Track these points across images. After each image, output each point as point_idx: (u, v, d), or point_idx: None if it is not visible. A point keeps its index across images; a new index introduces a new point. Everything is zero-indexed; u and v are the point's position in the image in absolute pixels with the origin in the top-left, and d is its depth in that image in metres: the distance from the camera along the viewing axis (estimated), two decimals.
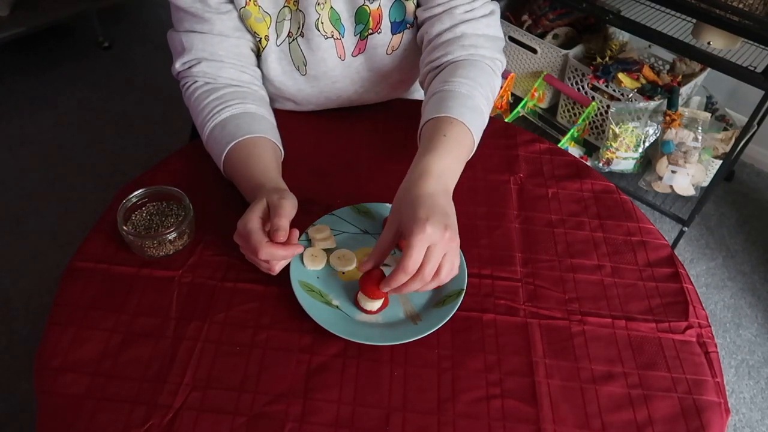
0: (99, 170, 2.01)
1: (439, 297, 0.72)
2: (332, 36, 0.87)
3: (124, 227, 0.74)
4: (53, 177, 1.97)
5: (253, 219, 0.69)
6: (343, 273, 0.75)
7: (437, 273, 0.66)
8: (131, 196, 0.77)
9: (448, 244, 0.65)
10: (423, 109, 0.85)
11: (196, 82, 0.86)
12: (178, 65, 0.86)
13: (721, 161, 1.70)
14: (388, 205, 0.81)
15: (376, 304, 0.70)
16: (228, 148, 0.80)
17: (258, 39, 0.86)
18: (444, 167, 0.73)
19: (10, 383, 1.45)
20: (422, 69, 0.90)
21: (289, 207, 0.70)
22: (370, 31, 0.87)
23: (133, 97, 2.32)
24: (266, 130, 0.83)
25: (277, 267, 0.71)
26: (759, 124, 1.76)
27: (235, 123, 0.82)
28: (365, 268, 0.69)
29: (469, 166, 0.85)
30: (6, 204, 1.87)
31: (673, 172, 1.76)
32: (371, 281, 0.68)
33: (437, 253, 0.65)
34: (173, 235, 0.74)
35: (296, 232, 0.70)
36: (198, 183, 0.85)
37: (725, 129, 1.84)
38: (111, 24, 2.67)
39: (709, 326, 0.73)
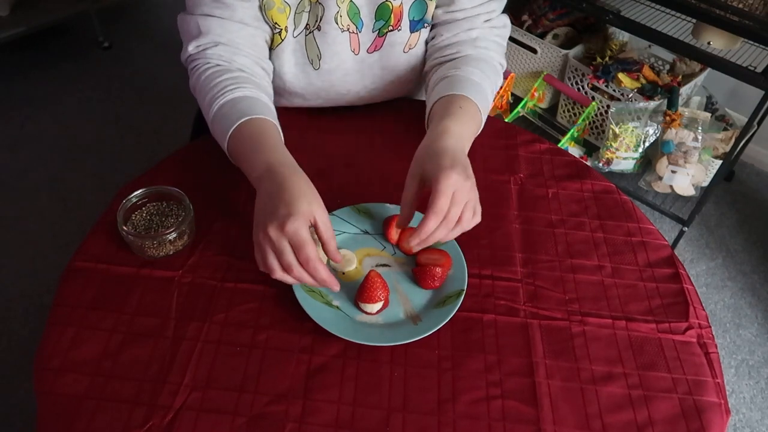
0: (99, 170, 2.01)
1: (440, 297, 0.72)
2: (348, 29, 0.87)
3: (124, 227, 0.74)
4: (53, 177, 1.97)
5: (305, 228, 0.66)
6: (344, 273, 0.75)
7: (460, 219, 0.69)
8: (131, 196, 0.77)
9: (470, 192, 0.70)
10: (431, 91, 0.87)
11: (209, 63, 0.83)
12: (191, 48, 0.83)
13: (721, 161, 1.70)
14: (389, 205, 0.81)
15: (375, 307, 0.70)
16: (241, 121, 0.76)
17: (278, 30, 0.85)
18: (461, 131, 0.78)
19: (10, 383, 1.45)
20: (429, 62, 0.92)
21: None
22: (390, 27, 0.88)
23: (133, 97, 2.32)
24: (277, 122, 0.82)
25: (290, 277, 0.67)
26: (759, 124, 1.76)
27: (247, 103, 0.79)
28: (401, 224, 0.74)
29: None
30: (6, 204, 1.87)
31: (673, 172, 1.76)
32: (373, 287, 0.69)
33: (461, 198, 0.69)
34: (173, 235, 0.74)
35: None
36: (198, 183, 0.85)
37: (725, 129, 1.84)
38: (111, 24, 2.67)
39: (710, 327, 0.73)
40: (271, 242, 0.66)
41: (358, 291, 0.70)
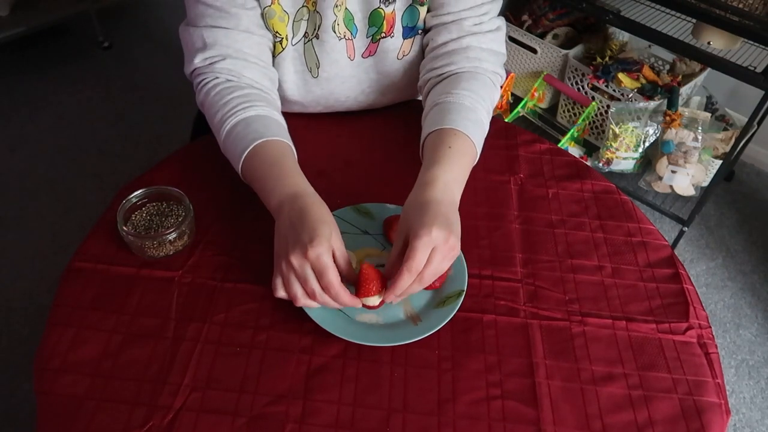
0: (99, 170, 2.01)
1: (440, 298, 0.72)
2: (344, 37, 0.86)
3: (124, 227, 0.74)
4: (53, 177, 1.97)
5: (328, 253, 0.65)
6: None
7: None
8: (131, 196, 0.77)
9: (449, 251, 0.67)
10: (424, 119, 0.85)
11: (218, 78, 0.82)
12: (197, 60, 0.82)
13: (721, 161, 1.70)
14: (389, 205, 0.81)
15: (376, 300, 0.69)
16: (256, 143, 0.76)
17: (279, 39, 0.85)
18: (450, 179, 0.74)
19: (10, 383, 1.45)
20: (422, 74, 0.91)
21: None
22: (383, 34, 0.87)
23: (133, 97, 2.32)
24: (291, 142, 0.81)
25: (311, 303, 0.67)
26: (759, 124, 1.76)
27: (262, 123, 0.79)
28: (386, 276, 0.69)
29: None
30: (6, 204, 1.87)
31: (673, 172, 1.76)
32: (368, 279, 0.68)
33: (439, 256, 0.66)
34: (173, 235, 0.74)
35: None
36: (198, 183, 0.85)
37: (725, 129, 1.84)
38: (111, 24, 2.67)
39: (710, 327, 0.73)
40: (294, 270, 0.66)
41: (356, 288, 0.70)
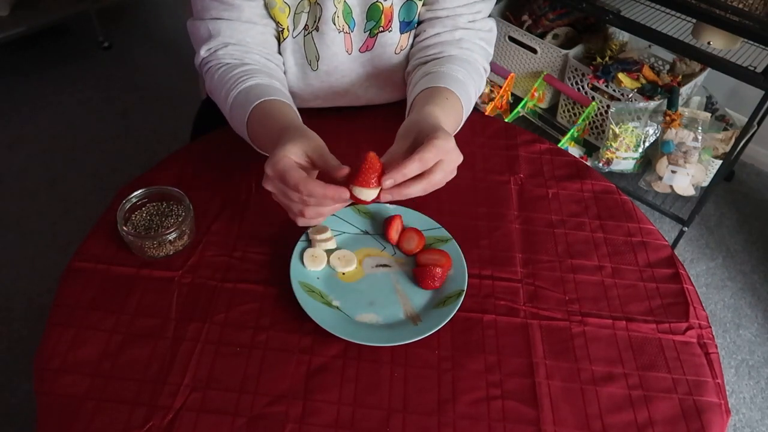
0: (99, 170, 2.01)
1: (440, 298, 0.72)
2: (343, 30, 0.87)
3: (124, 227, 0.74)
4: (53, 177, 1.97)
5: (283, 160, 0.65)
6: (344, 274, 0.75)
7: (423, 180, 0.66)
8: (131, 196, 0.77)
9: (450, 174, 0.68)
10: (415, 84, 0.85)
11: (220, 62, 0.85)
12: (203, 51, 0.85)
13: (721, 161, 1.70)
14: (389, 206, 0.81)
15: (371, 194, 0.65)
16: (254, 105, 0.77)
17: (281, 29, 0.86)
18: (447, 123, 0.75)
19: (10, 383, 1.45)
20: (412, 61, 0.92)
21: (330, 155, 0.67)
22: (381, 28, 0.88)
23: (133, 97, 2.32)
24: (292, 102, 0.82)
25: (308, 213, 0.66)
26: (759, 124, 1.76)
27: (260, 89, 0.80)
28: (385, 185, 0.65)
29: (469, 166, 0.85)
30: (6, 204, 1.87)
31: (673, 172, 1.76)
32: (370, 168, 0.64)
33: (449, 166, 0.66)
34: (173, 235, 0.74)
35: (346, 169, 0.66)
36: (198, 183, 0.85)
37: (725, 129, 1.84)
38: (111, 24, 2.67)
39: (710, 327, 0.73)
40: (274, 194, 0.68)
41: (354, 174, 0.64)
